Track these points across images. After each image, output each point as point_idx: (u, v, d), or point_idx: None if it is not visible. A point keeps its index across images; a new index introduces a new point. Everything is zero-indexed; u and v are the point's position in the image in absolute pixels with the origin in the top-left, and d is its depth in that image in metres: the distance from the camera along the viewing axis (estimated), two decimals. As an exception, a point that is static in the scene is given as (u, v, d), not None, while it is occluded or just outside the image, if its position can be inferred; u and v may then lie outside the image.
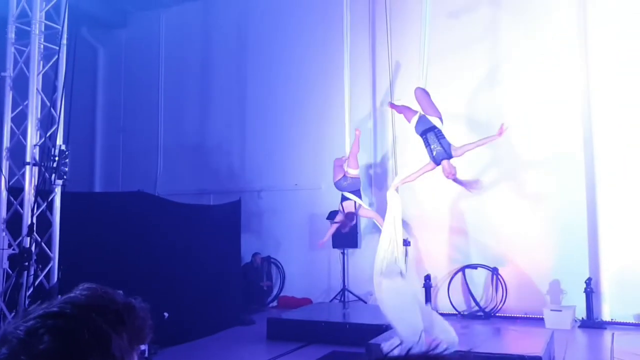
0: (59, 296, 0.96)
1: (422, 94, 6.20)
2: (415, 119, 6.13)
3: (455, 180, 6.06)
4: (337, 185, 7.34)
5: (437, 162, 5.90)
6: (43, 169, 5.64)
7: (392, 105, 6.74)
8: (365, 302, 9.16)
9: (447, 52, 8.67)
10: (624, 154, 8.05)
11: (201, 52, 11.42)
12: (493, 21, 9.04)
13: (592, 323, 7.63)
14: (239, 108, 10.98)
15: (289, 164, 10.32)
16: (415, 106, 6.26)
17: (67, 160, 5.69)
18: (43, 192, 5.67)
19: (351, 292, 9.37)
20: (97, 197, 8.96)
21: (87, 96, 11.87)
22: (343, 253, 9.41)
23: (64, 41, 6.04)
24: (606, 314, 7.88)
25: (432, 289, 8.69)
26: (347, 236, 9.16)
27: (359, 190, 7.20)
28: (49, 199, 5.75)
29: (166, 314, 6.81)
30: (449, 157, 5.87)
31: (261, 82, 10.76)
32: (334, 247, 9.37)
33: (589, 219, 8.19)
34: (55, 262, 5.72)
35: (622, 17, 8.18)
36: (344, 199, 7.35)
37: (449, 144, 5.90)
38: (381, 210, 9.02)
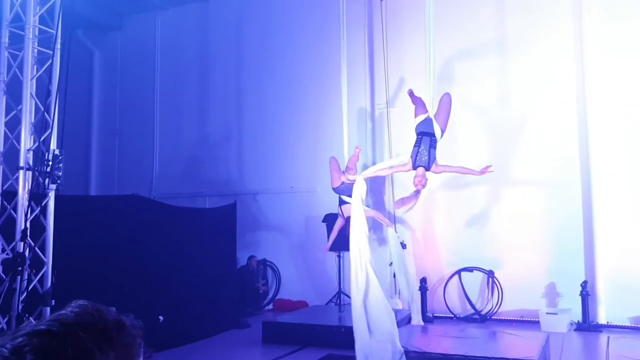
0: (52, 301, 0.97)
1: (448, 101, 6.34)
2: (423, 117, 6.24)
3: (417, 192, 6.16)
4: (336, 190, 7.41)
5: (415, 165, 5.97)
6: (37, 174, 5.63)
7: (411, 93, 6.74)
8: (361, 305, 9.16)
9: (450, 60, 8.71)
10: (619, 158, 8.07)
11: (197, 55, 11.41)
12: (497, 26, 9.06)
13: (587, 326, 7.63)
14: (235, 111, 10.98)
15: (285, 166, 10.32)
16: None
17: (61, 164, 5.68)
18: (37, 196, 5.65)
19: (347, 295, 9.34)
20: (92, 200, 8.94)
21: (83, 98, 11.85)
22: (339, 256, 9.40)
23: (58, 46, 6.02)
24: (602, 317, 7.88)
25: (427, 292, 8.68)
26: (342, 239, 9.14)
27: None
28: (43, 204, 5.73)
29: (161, 317, 6.81)
30: (428, 168, 5.99)
31: (258, 84, 10.76)
32: (329, 250, 9.37)
33: (585, 221, 8.20)
34: (49, 267, 5.70)
35: (618, 22, 8.20)
36: (342, 202, 7.39)
37: (435, 158, 6.03)
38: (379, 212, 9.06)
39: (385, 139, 9.53)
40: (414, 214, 9.15)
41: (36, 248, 5.67)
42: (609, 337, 6.72)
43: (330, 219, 9.22)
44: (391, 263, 8.23)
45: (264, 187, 10.46)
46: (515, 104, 8.80)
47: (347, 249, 9.15)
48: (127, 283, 6.47)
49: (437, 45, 7.23)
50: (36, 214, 5.67)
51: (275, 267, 10.26)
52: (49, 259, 5.73)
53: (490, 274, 8.55)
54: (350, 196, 7.12)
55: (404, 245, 9.13)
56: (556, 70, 8.60)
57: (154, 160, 11.56)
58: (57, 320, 0.87)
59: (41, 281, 5.71)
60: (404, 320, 7.23)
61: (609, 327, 7.70)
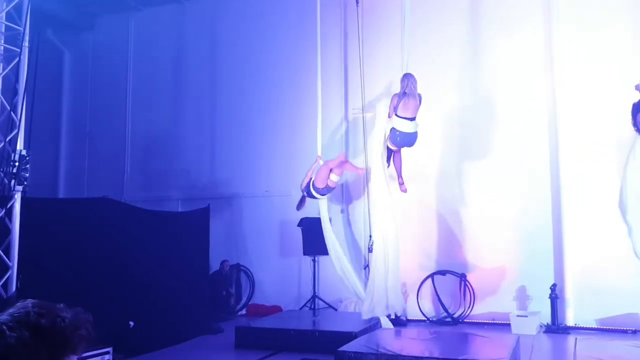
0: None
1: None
2: (412, 125, 6.85)
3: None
4: (318, 191, 7.52)
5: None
6: (2, 175, 5.49)
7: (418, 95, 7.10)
8: (336, 309, 9.16)
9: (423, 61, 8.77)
10: (589, 163, 8.22)
11: (171, 57, 11.31)
12: (470, 32, 9.17)
13: (556, 328, 7.75)
14: (210, 113, 10.90)
15: (259, 170, 10.28)
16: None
17: (27, 165, 5.56)
18: (2, 198, 5.52)
19: (321, 300, 9.35)
20: (60, 203, 8.76)
21: (52, 100, 11.64)
22: (314, 260, 9.38)
23: (26, 43, 5.91)
24: (570, 319, 8.02)
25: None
26: (318, 243, 9.15)
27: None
28: (8, 206, 5.60)
29: (131, 323, 6.69)
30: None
31: (233, 87, 10.71)
32: (304, 254, 9.36)
33: (554, 226, 8.34)
34: (14, 272, 5.57)
35: (588, 32, 8.37)
36: (310, 196, 7.74)
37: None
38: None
39: (360, 143, 9.54)
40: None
41: (0, 252, 5.53)
42: (576, 339, 6.82)
43: (305, 223, 9.21)
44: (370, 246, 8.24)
45: (238, 191, 10.40)
46: (486, 109, 8.92)
47: (322, 252, 9.22)
48: (96, 288, 6.35)
49: (411, 50, 7.30)
50: (0, 217, 5.53)
51: (249, 271, 10.19)
52: (14, 263, 5.60)
53: (462, 277, 8.63)
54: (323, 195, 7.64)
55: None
56: (527, 76, 8.74)
57: (125, 163, 11.40)
58: None
59: (5, 286, 5.57)
60: (375, 326, 7.22)
61: (576, 329, 7.83)
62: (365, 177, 9.12)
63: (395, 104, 6.89)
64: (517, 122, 8.70)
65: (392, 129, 6.95)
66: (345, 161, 7.85)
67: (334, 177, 7.58)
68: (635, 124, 6.23)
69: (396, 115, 6.89)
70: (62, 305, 0.98)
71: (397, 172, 7.48)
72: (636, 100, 6.25)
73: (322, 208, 7.80)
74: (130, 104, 11.50)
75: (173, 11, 11.34)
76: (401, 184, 7.53)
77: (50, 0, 10.33)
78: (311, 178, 7.66)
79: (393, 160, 7.36)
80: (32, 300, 0.95)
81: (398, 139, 7.00)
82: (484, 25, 9.05)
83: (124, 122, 11.49)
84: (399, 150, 7.27)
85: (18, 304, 0.94)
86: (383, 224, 7.18)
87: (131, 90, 11.53)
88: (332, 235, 7.80)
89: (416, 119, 6.95)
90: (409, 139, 7.03)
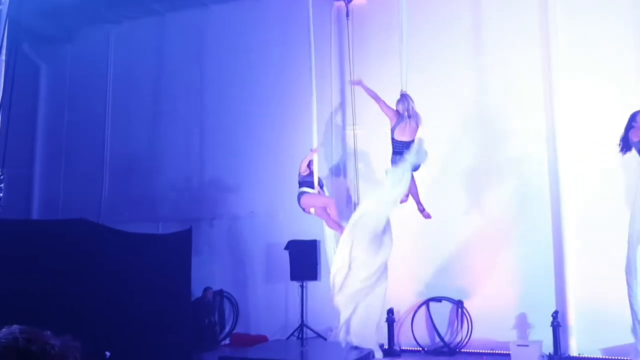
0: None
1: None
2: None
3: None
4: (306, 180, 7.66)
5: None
6: (-26, 194, 5.46)
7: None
8: (325, 339, 9.10)
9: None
10: (590, 187, 8.31)
11: (154, 71, 11.34)
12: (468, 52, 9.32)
13: (559, 358, 7.76)
14: (193, 130, 10.91)
15: (244, 189, 10.26)
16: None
17: (1, 185, 5.53)
18: (-27, 219, 5.48)
19: (310, 329, 9.30)
20: (34, 224, 8.69)
21: (27, 116, 11.59)
22: (302, 286, 9.36)
23: (3, 57, 5.93)
24: (573, 349, 8.02)
25: (395, 323, 8.69)
26: (306, 267, 9.15)
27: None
28: (-20, 227, 5.56)
29: (108, 353, 6.62)
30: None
31: (217, 103, 10.75)
32: (292, 279, 9.33)
33: (555, 250, 8.39)
34: (-15, 296, 5.50)
35: (587, 48, 8.55)
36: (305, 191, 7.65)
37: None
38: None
39: (351, 159, 9.60)
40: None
41: (-30, 276, 5.48)
42: (580, 370, 6.85)
43: (293, 246, 9.20)
44: None
45: (222, 212, 10.37)
46: (484, 126, 9.02)
47: (310, 278, 9.21)
48: (72, 314, 6.28)
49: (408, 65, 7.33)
50: (-28, 238, 5.48)
51: (233, 298, 10.12)
52: (-15, 287, 5.54)
53: (459, 304, 8.63)
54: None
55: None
56: (525, 99, 8.86)
57: (103, 182, 11.35)
58: None
59: (-25, 312, 5.50)
60: (367, 357, 7.18)
61: (580, 359, 7.84)
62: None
63: (393, 125, 6.82)
64: (516, 141, 8.79)
65: (393, 155, 6.85)
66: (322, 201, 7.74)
67: (312, 210, 7.57)
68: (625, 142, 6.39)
69: (393, 139, 6.83)
70: (48, 332, 1.00)
71: (414, 198, 7.30)
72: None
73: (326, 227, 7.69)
74: (109, 121, 11.49)
75: (155, 23, 11.39)
76: (422, 210, 7.39)
77: (27, 13, 10.36)
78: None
79: None
80: (18, 326, 0.96)
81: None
82: (482, 41, 9.20)
83: (103, 140, 11.46)
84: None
85: (3, 329, 0.96)
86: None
87: (110, 106, 11.53)
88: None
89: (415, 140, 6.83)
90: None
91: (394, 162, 6.83)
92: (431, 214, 7.46)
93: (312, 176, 7.63)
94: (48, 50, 12.05)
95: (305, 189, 7.55)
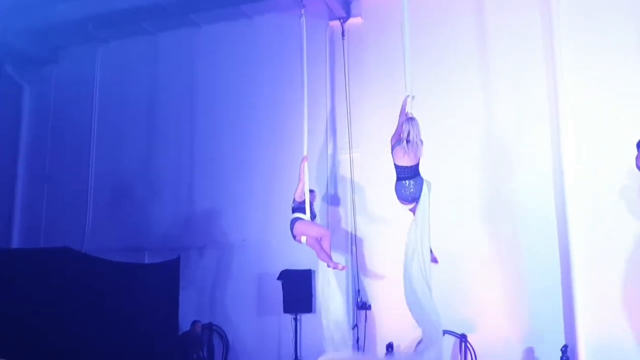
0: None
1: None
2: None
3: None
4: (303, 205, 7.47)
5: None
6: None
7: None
8: (321, 376, 8.97)
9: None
10: (598, 214, 8.28)
11: (142, 93, 11.32)
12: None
13: (569, 395, 7.66)
14: (182, 154, 10.87)
15: (235, 216, 10.18)
16: None
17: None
18: (-52, 247, 5.41)
19: (304, 364, 9.17)
20: (14, 253, 8.63)
21: (8, 139, 11.54)
22: (295, 319, 9.22)
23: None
24: (584, 385, 7.93)
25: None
26: (300, 299, 9.03)
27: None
28: (-45, 255, 5.48)
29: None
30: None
31: (209, 127, 10.72)
32: (285, 311, 9.21)
33: (563, 281, 8.30)
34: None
35: (594, 73, 8.63)
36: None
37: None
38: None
39: (347, 184, 9.58)
40: (378, 269, 9.15)
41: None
42: (592, 408, 6.76)
43: (286, 276, 9.10)
44: None
45: (211, 240, 10.26)
46: (489, 155, 9.02)
47: (304, 310, 9.10)
48: (52, 347, 6.20)
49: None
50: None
51: (223, 332, 9.97)
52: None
53: (462, 338, 8.53)
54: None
55: (368, 306, 9.07)
56: (531, 123, 8.89)
57: (87, 209, 11.25)
58: None
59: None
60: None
61: (592, 395, 7.74)
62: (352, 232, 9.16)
63: (392, 145, 6.48)
64: (522, 171, 8.77)
65: (396, 182, 6.47)
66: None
67: (303, 239, 7.42)
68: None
69: (394, 163, 6.46)
70: None
71: None
72: None
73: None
74: (94, 145, 11.43)
75: (145, 43, 11.40)
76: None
77: (10, 32, 10.42)
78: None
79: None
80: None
81: (403, 191, 6.49)
82: (487, 67, 9.27)
83: (87, 165, 11.38)
84: (415, 207, 6.57)
85: None
86: None
87: (96, 130, 11.48)
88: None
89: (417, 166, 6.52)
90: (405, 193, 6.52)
91: (396, 189, 6.51)
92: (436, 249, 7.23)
93: (311, 203, 7.55)
94: (32, 71, 12.04)
95: (299, 214, 7.43)
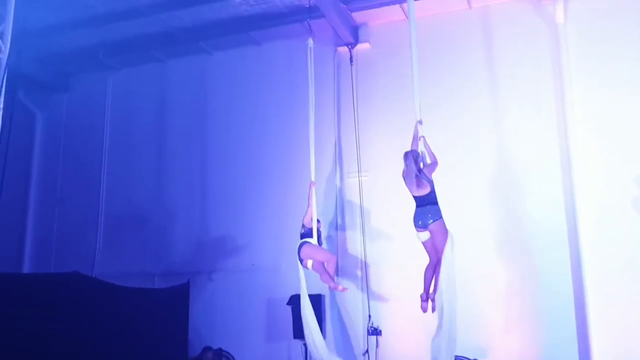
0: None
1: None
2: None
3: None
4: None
5: None
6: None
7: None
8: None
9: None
10: (611, 238, 8.29)
11: (152, 120, 11.44)
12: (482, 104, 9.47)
13: (583, 422, 7.56)
14: (192, 181, 10.93)
15: (245, 242, 10.20)
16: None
17: (-7, 235, 5.52)
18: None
19: (315, 390, 9.08)
20: (25, 279, 8.65)
21: (20, 165, 11.65)
22: (305, 345, 9.17)
23: (1, 105, 6.02)
24: (599, 411, 7.83)
25: (405, 384, 8.51)
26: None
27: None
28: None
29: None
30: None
31: (218, 153, 10.80)
32: (294, 337, 9.16)
33: (577, 303, 8.24)
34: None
35: (602, 93, 8.70)
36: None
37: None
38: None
39: (356, 209, 9.59)
40: (386, 293, 9.11)
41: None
42: None
43: (295, 301, 9.06)
44: None
45: (221, 265, 10.28)
46: (500, 177, 9.04)
47: (315, 335, 9.04)
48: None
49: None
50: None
51: (232, 357, 9.93)
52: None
53: (474, 363, 8.47)
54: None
55: (378, 332, 9.04)
56: (540, 140, 8.94)
57: (98, 234, 11.30)
58: None
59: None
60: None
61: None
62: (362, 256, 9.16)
63: None
64: (533, 199, 8.79)
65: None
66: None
67: (309, 263, 7.53)
68: None
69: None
70: None
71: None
72: None
73: (302, 281, 7.63)
74: (105, 170, 11.53)
75: (155, 70, 11.56)
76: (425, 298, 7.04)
77: (24, 60, 10.57)
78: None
79: None
80: None
81: (414, 218, 6.81)
82: (497, 92, 9.34)
83: (98, 190, 11.47)
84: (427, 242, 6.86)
85: None
86: None
87: (107, 156, 11.59)
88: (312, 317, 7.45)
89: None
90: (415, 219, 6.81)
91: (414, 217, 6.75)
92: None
93: (318, 229, 7.67)
94: (44, 98, 12.21)
95: (307, 239, 7.55)
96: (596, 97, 8.78)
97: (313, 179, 7.88)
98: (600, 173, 8.57)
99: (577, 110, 8.76)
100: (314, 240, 7.57)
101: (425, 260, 6.95)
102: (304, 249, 7.46)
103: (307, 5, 8.64)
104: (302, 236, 7.68)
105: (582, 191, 8.52)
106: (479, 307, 8.66)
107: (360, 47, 10.10)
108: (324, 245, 8.07)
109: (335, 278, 8.17)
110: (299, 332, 9.02)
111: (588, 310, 8.14)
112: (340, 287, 7.51)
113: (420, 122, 6.95)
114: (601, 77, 8.81)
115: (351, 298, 9.37)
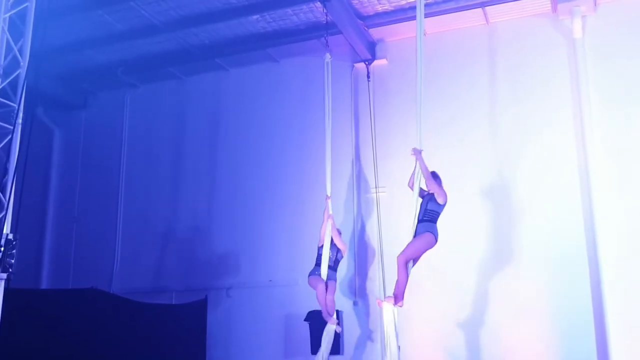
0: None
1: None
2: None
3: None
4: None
5: None
6: (-14, 261, 5.49)
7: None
8: (349, 419, 8.82)
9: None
10: (631, 253, 8.18)
11: (169, 136, 11.52)
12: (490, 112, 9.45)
13: None
14: (209, 197, 10.97)
15: (262, 257, 10.20)
16: None
17: (14, 251, 5.56)
18: (-16, 287, 5.49)
19: (333, 408, 9.00)
20: (44, 294, 8.70)
21: (39, 182, 11.78)
22: (322, 361, 9.12)
23: (20, 120, 6.09)
24: None
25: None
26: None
27: None
28: (-10, 296, 5.55)
29: None
30: None
31: (234, 169, 10.85)
32: (312, 353, 9.10)
33: (596, 317, 8.13)
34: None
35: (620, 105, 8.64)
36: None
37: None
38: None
39: (374, 225, 9.55)
40: (404, 310, 9.01)
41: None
42: None
43: (313, 317, 9.02)
44: None
45: (238, 281, 10.28)
46: (513, 195, 8.98)
47: (332, 352, 8.98)
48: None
49: (429, 133, 7.43)
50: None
51: (250, 373, 9.90)
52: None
53: (493, 379, 8.37)
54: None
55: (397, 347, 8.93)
56: (557, 154, 8.88)
57: (116, 251, 11.36)
58: None
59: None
60: None
61: None
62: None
63: None
64: (547, 212, 8.72)
65: None
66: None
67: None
68: None
69: None
70: None
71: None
72: None
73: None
74: (123, 187, 11.62)
75: (172, 87, 11.67)
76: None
77: (42, 77, 10.71)
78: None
79: None
80: None
81: None
82: (515, 107, 9.32)
83: (116, 207, 11.55)
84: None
85: None
86: None
87: (125, 173, 11.68)
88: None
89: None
90: None
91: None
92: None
93: (328, 249, 7.92)
94: (62, 115, 12.36)
95: (315, 270, 7.95)
96: (615, 113, 8.72)
97: (329, 194, 7.98)
98: (620, 191, 8.47)
99: (596, 126, 8.71)
100: (322, 270, 7.86)
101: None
102: (311, 280, 7.95)
103: (324, 22, 8.68)
104: (317, 259, 7.95)
105: (601, 210, 8.43)
106: (497, 321, 8.58)
107: (377, 63, 10.13)
108: (344, 253, 8.29)
109: (355, 295, 8.34)
110: (316, 348, 8.98)
111: (607, 325, 8.02)
112: (336, 327, 8.06)
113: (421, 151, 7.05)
114: (619, 92, 8.76)
115: (370, 313, 9.34)
